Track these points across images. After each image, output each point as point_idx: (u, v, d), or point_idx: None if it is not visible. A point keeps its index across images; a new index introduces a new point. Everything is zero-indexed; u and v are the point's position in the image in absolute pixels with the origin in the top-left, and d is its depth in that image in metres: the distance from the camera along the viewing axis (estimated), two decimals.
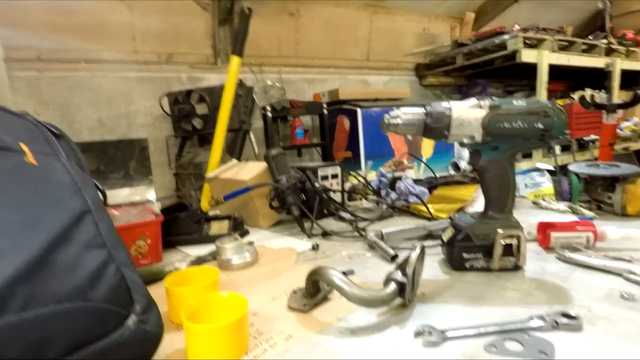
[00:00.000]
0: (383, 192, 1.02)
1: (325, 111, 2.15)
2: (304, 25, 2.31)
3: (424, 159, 2.13)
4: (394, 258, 0.69)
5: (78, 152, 0.50)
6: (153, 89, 2.01)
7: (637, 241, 0.73)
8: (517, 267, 0.64)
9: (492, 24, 2.78)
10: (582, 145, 2.72)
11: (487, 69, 2.67)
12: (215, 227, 0.85)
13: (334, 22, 2.39)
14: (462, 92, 3.07)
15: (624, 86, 2.69)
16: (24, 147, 0.44)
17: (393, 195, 0.99)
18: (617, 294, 0.55)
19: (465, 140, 0.63)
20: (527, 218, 0.88)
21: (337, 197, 1.04)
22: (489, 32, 2.54)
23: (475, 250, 0.64)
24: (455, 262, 0.65)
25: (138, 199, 0.82)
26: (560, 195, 1.72)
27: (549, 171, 2.01)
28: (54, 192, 0.40)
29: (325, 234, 0.84)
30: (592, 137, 2.72)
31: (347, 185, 1.12)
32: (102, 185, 0.83)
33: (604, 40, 2.80)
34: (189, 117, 1.86)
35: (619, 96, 2.42)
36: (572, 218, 0.89)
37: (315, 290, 0.56)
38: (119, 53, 1.94)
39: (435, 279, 0.63)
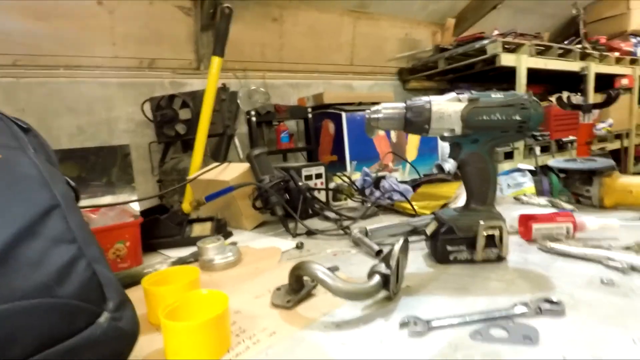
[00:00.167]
0: (367, 191, 1.02)
1: (310, 115, 2.16)
2: (287, 30, 2.33)
3: (408, 161, 2.14)
4: (378, 253, 0.69)
5: (48, 147, 0.48)
6: (135, 95, 1.98)
7: (614, 230, 0.74)
8: (500, 258, 0.64)
9: (472, 29, 2.85)
10: (561, 146, 2.79)
11: (468, 73, 2.72)
12: (198, 229, 0.83)
13: (318, 27, 2.41)
14: None
15: (598, 89, 2.78)
16: None
17: (377, 193, 0.99)
18: (598, 280, 0.56)
19: (446, 134, 0.63)
20: (509, 212, 0.89)
21: (321, 197, 1.03)
22: (469, 37, 2.60)
23: (459, 242, 0.64)
24: (439, 255, 0.65)
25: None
26: (541, 193, 1.76)
27: (530, 171, 2.05)
28: (20, 185, 0.38)
29: (310, 233, 0.83)
30: (570, 138, 2.80)
31: (332, 185, 1.11)
32: (83, 193, 0.81)
33: (579, 45, 2.90)
34: (172, 122, 1.84)
35: (593, 98, 2.49)
36: (553, 211, 0.90)
37: (298, 287, 0.55)
38: (99, 58, 1.91)
39: (419, 272, 0.63)
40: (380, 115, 0.63)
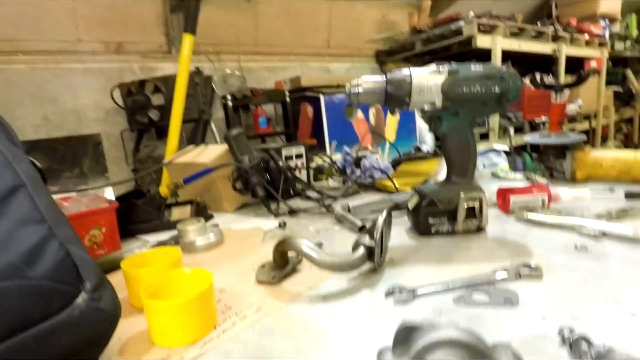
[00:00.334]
0: (348, 170, 1.02)
1: (287, 99, 2.12)
2: (261, 11, 2.27)
3: (387, 145, 2.15)
4: (361, 229, 0.69)
5: (9, 127, 0.45)
6: (103, 81, 1.89)
7: (586, 200, 0.77)
8: (479, 229, 0.66)
9: (448, 11, 2.86)
10: (534, 127, 2.87)
11: (444, 55, 2.74)
12: (177, 213, 0.81)
13: (293, 8, 2.36)
14: None
15: (568, 71, 2.87)
16: None
17: (358, 172, 0.99)
18: (572, 246, 0.58)
19: (426, 107, 0.63)
20: (487, 187, 0.90)
21: (303, 177, 1.02)
22: (445, 18, 2.61)
23: (440, 214, 0.65)
24: (421, 227, 0.66)
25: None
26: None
27: (505, 152, 2.11)
28: None
29: (293, 212, 0.83)
30: (543, 118, 2.88)
31: (312, 166, 1.11)
32: (54, 185, 0.76)
33: (551, 27, 2.96)
34: (144, 109, 1.77)
35: (564, 80, 2.57)
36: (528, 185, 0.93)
37: (283, 262, 0.54)
38: (61, 43, 1.80)
39: (402, 245, 0.64)
40: (360, 90, 0.63)
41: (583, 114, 3.29)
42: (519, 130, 2.82)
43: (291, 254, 0.55)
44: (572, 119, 3.20)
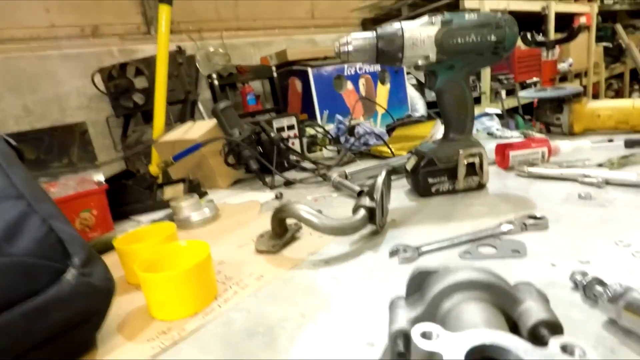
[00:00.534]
0: (342, 139, 1.00)
1: (275, 74, 2.07)
2: None
3: (379, 113, 2.12)
4: (360, 194, 0.67)
5: None
6: (82, 67, 1.82)
7: (586, 151, 0.76)
8: (480, 186, 0.64)
9: None
10: (525, 88, 2.83)
11: None
12: (170, 192, 0.79)
13: None
14: None
15: (558, 30, 2.82)
16: None
17: (352, 140, 0.96)
18: (575, 196, 0.57)
19: (420, 62, 0.60)
20: (485, 145, 0.89)
21: (296, 149, 1.00)
22: None
23: (440, 174, 0.63)
24: (421, 188, 0.64)
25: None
26: None
27: (497, 115, 2.10)
28: None
29: (288, 183, 0.81)
30: (534, 79, 2.85)
31: (305, 136, 1.08)
32: (44, 175, 0.74)
33: None
34: (128, 92, 1.71)
35: (555, 37, 2.53)
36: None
37: (282, 230, 0.53)
38: (34, 29, 1.72)
39: (403, 206, 0.63)
40: (350, 48, 0.59)
41: (574, 72, 3.26)
42: (510, 92, 2.79)
43: (290, 221, 0.54)
44: (563, 78, 3.17)
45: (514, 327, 0.19)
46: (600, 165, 0.67)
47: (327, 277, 0.44)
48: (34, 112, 1.78)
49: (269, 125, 0.89)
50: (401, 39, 0.58)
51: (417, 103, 2.36)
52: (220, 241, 0.58)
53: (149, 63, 1.67)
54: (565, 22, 3.06)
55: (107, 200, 0.68)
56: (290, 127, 0.97)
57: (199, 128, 0.86)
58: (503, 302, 0.19)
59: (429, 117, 1.07)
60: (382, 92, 2.27)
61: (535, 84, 2.87)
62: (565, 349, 0.15)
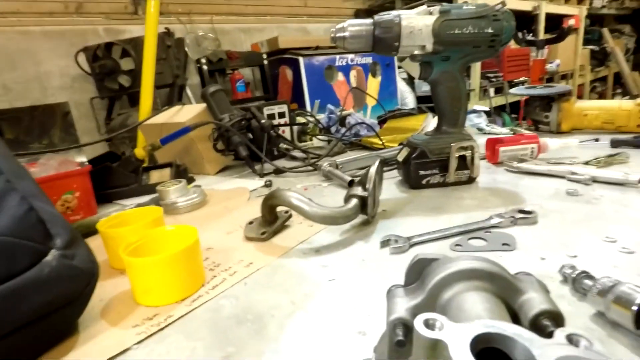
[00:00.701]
0: (333, 129, 0.99)
1: (265, 62, 2.03)
2: None
3: (369, 108, 2.12)
4: (350, 183, 0.67)
5: None
6: (65, 45, 1.75)
7: (574, 149, 0.77)
8: (471, 180, 0.65)
9: None
10: (514, 87, 2.87)
11: None
12: (156, 176, 0.77)
13: None
14: None
15: (547, 31, 2.86)
16: None
17: (343, 130, 0.95)
18: (563, 192, 0.57)
19: (416, 52, 0.60)
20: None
21: (287, 137, 0.98)
22: None
23: (431, 166, 0.63)
24: (412, 180, 0.64)
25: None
26: None
27: (485, 112, 2.12)
28: None
29: (278, 172, 0.79)
30: (522, 78, 2.88)
31: (296, 127, 1.07)
32: (23, 156, 0.71)
33: None
34: (113, 74, 1.66)
35: (545, 37, 2.55)
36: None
37: (272, 218, 0.52)
38: (14, 3, 1.64)
39: (394, 197, 0.62)
40: (346, 34, 0.58)
41: (561, 73, 3.32)
42: (498, 91, 2.82)
43: (280, 209, 0.53)
44: (550, 79, 3.23)
45: (514, 317, 0.19)
46: (587, 163, 0.68)
47: (317, 265, 0.43)
48: (12, 90, 1.72)
49: (260, 112, 0.87)
50: (398, 27, 0.57)
51: (407, 97, 2.37)
52: (208, 227, 0.56)
53: (136, 44, 1.62)
54: (555, 23, 3.11)
55: (91, 183, 0.66)
56: (281, 115, 0.96)
57: (187, 111, 0.84)
58: (504, 292, 0.19)
59: (420, 111, 1.07)
60: (373, 85, 2.26)
61: (523, 82, 2.91)
62: (571, 340, 0.15)
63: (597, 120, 0.90)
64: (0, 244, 0.28)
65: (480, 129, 1.08)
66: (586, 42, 3.66)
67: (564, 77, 3.41)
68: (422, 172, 0.64)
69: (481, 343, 0.15)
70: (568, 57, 3.40)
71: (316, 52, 2.10)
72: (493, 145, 0.75)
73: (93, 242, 0.42)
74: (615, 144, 0.78)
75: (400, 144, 0.82)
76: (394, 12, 0.58)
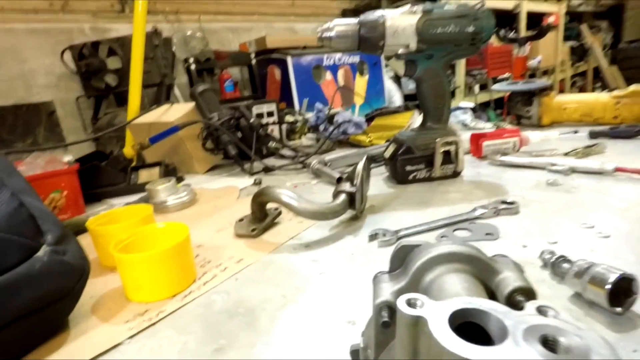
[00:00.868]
0: (321, 128, 1.00)
1: (253, 61, 2.03)
2: None
3: (357, 106, 2.13)
4: (339, 180, 0.68)
5: None
6: (50, 43, 1.72)
7: (554, 141, 0.80)
8: (456, 174, 0.66)
9: None
10: (497, 83, 2.92)
11: None
12: (145, 175, 0.77)
13: None
14: None
15: (529, 28, 2.92)
16: None
17: (331, 128, 0.96)
18: (544, 183, 0.59)
19: (401, 51, 0.61)
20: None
21: (275, 136, 0.99)
22: None
23: (417, 161, 0.65)
24: (399, 175, 0.65)
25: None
26: None
27: (470, 108, 2.16)
28: None
29: (268, 170, 0.80)
30: (506, 74, 2.94)
31: (284, 126, 1.07)
32: (9, 155, 0.70)
33: None
34: (100, 73, 1.64)
35: (526, 34, 2.61)
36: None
37: (262, 215, 0.52)
38: None
39: (381, 193, 0.64)
40: (332, 34, 0.59)
41: (542, 69, 3.39)
42: (483, 87, 2.87)
43: (270, 206, 0.53)
44: (532, 75, 3.29)
45: (492, 296, 0.20)
46: (566, 154, 0.70)
47: (308, 260, 0.44)
48: None
49: (249, 110, 0.88)
50: (383, 26, 0.58)
51: (394, 95, 2.39)
52: (198, 225, 0.57)
53: (123, 43, 1.60)
54: (535, 21, 3.17)
55: (79, 182, 0.66)
56: (270, 114, 0.96)
57: (176, 111, 0.84)
58: (482, 272, 0.20)
59: (406, 108, 1.08)
60: (361, 84, 2.28)
61: (506, 79, 2.96)
62: (540, 311, 0.16)
63: (575, 113, 0.93)
64: None
65: (465, 125, 1.10)
66: (566, 38, 3.74)
67: (545, 72, 3.48)
68: (408, 168, 0.65)
69: (459, 318, 0.16)
70: (549, 54, 3.47)
71: (304, 51, 2.11)
72: (477, 140, 0.77)
73: (82, 241, 0.42)
74: (593, 135, 0.80)
75: (387, 141, 0.83)
76: (378, 12, 0.59)
